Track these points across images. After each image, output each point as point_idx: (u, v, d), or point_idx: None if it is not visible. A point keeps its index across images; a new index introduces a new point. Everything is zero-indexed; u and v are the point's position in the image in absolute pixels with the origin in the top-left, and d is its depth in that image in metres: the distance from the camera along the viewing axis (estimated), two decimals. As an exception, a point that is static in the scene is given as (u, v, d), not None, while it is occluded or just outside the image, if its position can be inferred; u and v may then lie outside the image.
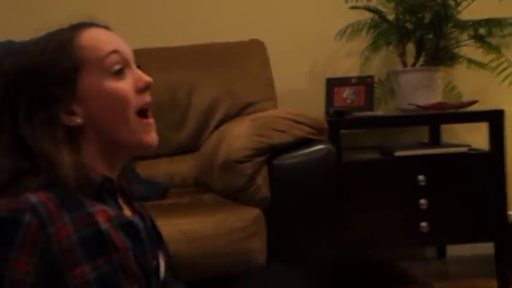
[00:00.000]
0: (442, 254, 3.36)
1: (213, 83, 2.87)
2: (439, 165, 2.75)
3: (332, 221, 2.23)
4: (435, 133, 3.21)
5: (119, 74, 1.24)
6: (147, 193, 2.33)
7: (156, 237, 1.40)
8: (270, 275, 1.76)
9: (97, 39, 1.25)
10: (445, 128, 3.24)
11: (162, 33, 3.14)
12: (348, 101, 3.03)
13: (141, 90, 1.27)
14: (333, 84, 3.04)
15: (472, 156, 2.80)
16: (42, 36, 1.27)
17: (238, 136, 2.23)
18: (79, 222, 1.14)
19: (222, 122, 2.79)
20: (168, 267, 1.40)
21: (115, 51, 1.25)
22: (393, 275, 3.16)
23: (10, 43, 2.64)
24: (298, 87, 3.28)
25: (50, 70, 1.20)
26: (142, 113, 1.28)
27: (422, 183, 2.69)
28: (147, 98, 1.29)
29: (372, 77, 3.08)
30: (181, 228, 1.99)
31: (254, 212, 2.11)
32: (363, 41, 3.14)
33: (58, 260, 1.10)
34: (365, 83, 3.04)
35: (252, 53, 3.00)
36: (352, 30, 3.10)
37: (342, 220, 2.61)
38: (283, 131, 2.16)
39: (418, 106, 2.86)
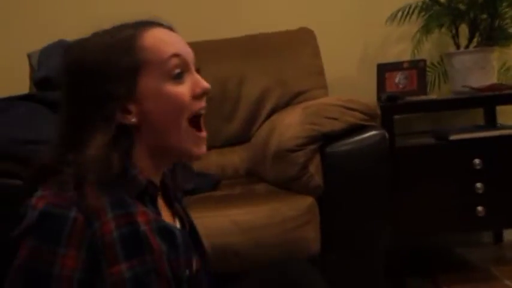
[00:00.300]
0: (498, 238, 3.31)
1: (263, 73, 2.88)
2: (495, 147, 2.70)
3: (386, 207, 2.21)
4: (491, 115, 3.16)
5: (178, 78, 1.25)
6: (199, 185, 2.35)
7: (194, 241, 1.41)
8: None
9: (160, 41, 1.25)
10: (500, 109, 3.18)
11: (211, 25, 3.16)
12: (400, 86, 2.99)
13: (197, 97, 1.28)
14: (384, 70, 3.01)
15: (530, 138, 2.74)
16: (106, 31, 1.27)
17: (290, 125, 2.23)
18: (120, 220, 1.16)
19: (272, 111, 2.79)
20: (203, 265, 1.41)
21: (176, 55, 1.25)
22: (450, 261, 3.13)
23: (61, 42, 2.68)
24: (349, 74, 3.26)
25: (111, 68, 1.20)
26: (195, 121, 1.28)
27: (478, 167, 2.65)
28: (202, 103, 1.29)
29: (424, 60, 3.03)
30: (233, 219, 1.99)
31: (307, 201, 2.10)
32: (414, 24, 3.10)
33: (100, 254, 1.12)
34: (417, 67, 3.00)
35: (302, 41, 2.99)
36: (402, 14, 3.06)
37: (396, 206, 2.58)
38: (335, 118, 2.14)
39: (473, 88, 2.81)
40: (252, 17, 3.23)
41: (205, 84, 1.29)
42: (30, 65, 2.78)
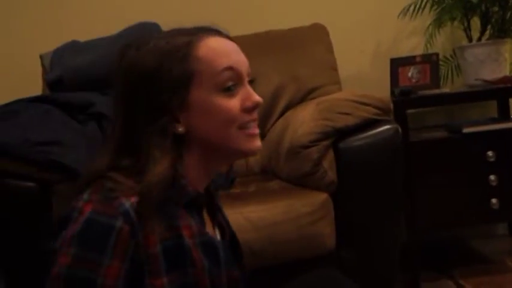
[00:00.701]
0: (514, 230, 3.30)
1: (276, 70, 2.88)
2: (508, 140, 2.69)
3: (401, 201, 2.21)
4: (504, 108, 3.15)
5: (230, 90, 1.23)
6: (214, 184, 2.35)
7: (233, 251, 1.40)
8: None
9: (214, 52, 1.23)
10: (514, 102, 3.16)
11: (223, 23, 3.13)
12: (413, 80, 2.98)
13: (247, 110, 1.25)
14: (397, 64, 3.01)
15: (543, 130, 2.72)
16: (162, 35, 1.26)
17: (303, 121, 2.23)
18: (165, 233, 1.15)
19: (286, 108, 2.79)
20: (242, 277, 1.39)
21: (230, 68, 1.23)
22: (464, 253, 3.13)
23: (74, 43, 2.69)
24: (362, 69, 3.26)
25: (164, 76, 1.19)
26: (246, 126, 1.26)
27: (492, 159, 2.65)
28: (253, 116, 1.27)
29: (437, 54, 3.02)
30: (247, 216, 1.99)
31: (321, 197, 2.10)
32: (427, 18, 3.10)
33: (144, 265, 1.11)
34: (430, 61, 3.00)
35: (315, 37, 3.00)
36: (415, 8, 3.05)
37: (410, 200, 2.59)
38: (349, 114, 2.14)
39: (485, 81, 2.81)
40: (265, 13, 3.23)
41: (256, 98, 1.27)
42: (43, 66, 2.79)
